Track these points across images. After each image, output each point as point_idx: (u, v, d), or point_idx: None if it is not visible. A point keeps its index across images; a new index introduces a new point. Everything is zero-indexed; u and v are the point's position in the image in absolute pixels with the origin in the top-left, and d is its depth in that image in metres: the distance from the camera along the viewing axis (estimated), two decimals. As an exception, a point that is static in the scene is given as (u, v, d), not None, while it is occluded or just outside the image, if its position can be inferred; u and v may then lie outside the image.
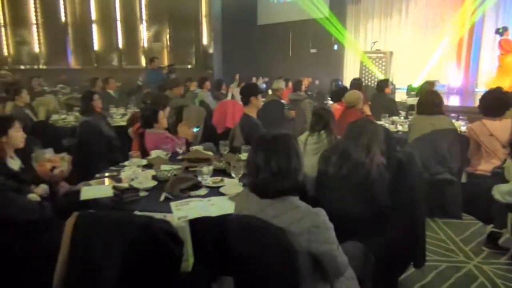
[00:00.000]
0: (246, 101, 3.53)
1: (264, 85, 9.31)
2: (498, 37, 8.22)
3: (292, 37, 12.70)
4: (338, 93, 5.13)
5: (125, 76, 10.25)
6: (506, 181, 2.77)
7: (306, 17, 11.63)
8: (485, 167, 3.30)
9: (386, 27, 11.11)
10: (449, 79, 9.70)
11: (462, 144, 3.48)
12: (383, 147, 2.15)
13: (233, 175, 2.32)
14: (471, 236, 3.14)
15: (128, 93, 7.50)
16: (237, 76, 8.80)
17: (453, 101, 8.03)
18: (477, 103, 3.61)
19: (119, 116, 5.40)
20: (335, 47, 11.66)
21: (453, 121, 3.93)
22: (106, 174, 2.56)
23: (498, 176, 2.96)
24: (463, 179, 3.50)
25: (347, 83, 7.82)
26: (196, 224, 1.82)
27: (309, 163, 2.45)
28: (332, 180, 2.12)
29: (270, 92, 6.66)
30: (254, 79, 9.82)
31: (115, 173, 2.55)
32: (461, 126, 4.07)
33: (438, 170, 3.33)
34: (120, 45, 13.14)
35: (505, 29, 8.05)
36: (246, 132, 3.38)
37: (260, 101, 3.61)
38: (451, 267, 2.70)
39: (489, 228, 2.98)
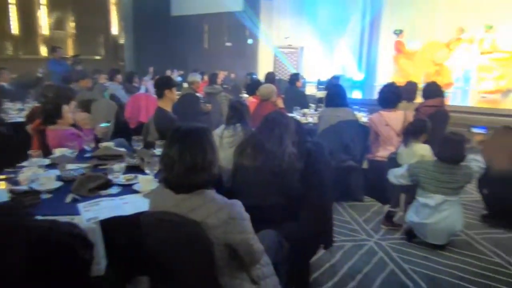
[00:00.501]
0: (160, 94, 3.43)
1: (179, 78, 9.12)
2: (395, 37, 9.09)
3: (207, 30, 12.60)
4: (253, 86, 5.24)
5: (21, 66, 9.21)
6: (399, 166, 3.11)
7: (221, 9, 11.62)
8: (382, 153, 3.65)
9: (297, 24, 11.60)
10: (353, 74, 10.50)
11: (363, 133, 3.81)
12: (295, 138, 2.26)
13: (147, 171, 2.25)
14: (371, 216, 3.47)
15: (25, 85, 6.76)
16: (151, 69, 8.47)
17: (356, 94, 8.71)
18: (376, 96, 3.97)
19: (15, 112, 4.87)
20: (250, 41, 11.86)
21: (356, 112, 4.28)
22: (1, 177, 2.29)
23: (393, 161, 3.31)
24: (365, 165, 3.84)
25: (261, 76, 8.02)
26: (109, 225, 1.73)
27: (225, 156, 2.48)
28: (247, 172, 2.17)
29: (185, 85, 6.54)
30: (168, 72, 9.55)
31: (12, 175, 2.30)
32: (363, 117, 4.45)
33: (343, 158, 3.61)
34: (15, 32, 11.74)
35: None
36: (161, 127, 3.29)
37: (174, 94, 3.54)
38: (355, 245, 2.96)
39: (386, 208, 3.33)
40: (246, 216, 1.48)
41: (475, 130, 3.19)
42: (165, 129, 3.21)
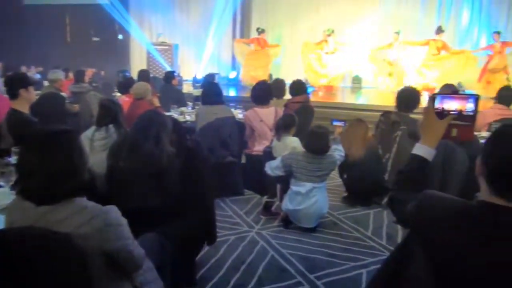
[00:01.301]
0: (13, 95, 2.98)
1: (38, 76, 8.07)
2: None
3: (69, 22, 11.42)
4: (126, 84, 4.97)
5: None
6: (275, 158, 3.33)
7: (84, 0, 10.65)
8: (258, 148, 3.86)
9: (171, 20, 11.38)
10: (227, 72, 10.78)
11: (240, 129, 3.95)
12: (173, 137, 2.22)
13: (1, 183, 1.94)
14: (252, 208, 3.64)
15: None
16: (0, 65, 7.30)
17: (231, 92, 8.98)
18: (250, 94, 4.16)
19: None
20: (120, 36, 11.18)
21: (232, 109, 4.42)
22: None
23: (269, 154, 3.52)
24: (243, 160, 4.00)
25: (134, 74, 7.64)
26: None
27: (98, 160, 2.30)
28: (123, 174, 2.05)
29: (46, 83, 5.83)
30: (24, 68, 8.37)
31: None
32: (239, 114, 4.62)
33: (222, 154, 3.69)
34: None
35: (263, 30, 9.47)
36: (16, 131, 2.86)
37: (32, 93, 3.12)
38: (238, 238, 3.06)
39: (264, 199, 3.53)
40: (123, 221, 1.40)
41: (335, 123, 3.59)
42: (21, 134, 2.81)
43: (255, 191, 3.92)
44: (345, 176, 3.84)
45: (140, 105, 3.96)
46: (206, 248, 2.67)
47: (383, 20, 9.75)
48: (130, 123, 2.64)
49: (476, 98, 1.29)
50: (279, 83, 4.93)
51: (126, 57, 11.28)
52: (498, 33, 8.16)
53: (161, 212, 2.00)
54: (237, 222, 3.35)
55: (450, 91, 3.91)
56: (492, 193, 1.03)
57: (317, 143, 3.11)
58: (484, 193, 1.06)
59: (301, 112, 4.03)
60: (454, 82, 6.41)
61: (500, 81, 7.65)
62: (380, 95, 8.63)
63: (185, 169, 2.15)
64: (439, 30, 8.17)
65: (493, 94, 4.38)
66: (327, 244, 3.00)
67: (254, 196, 3.90)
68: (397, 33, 8.64)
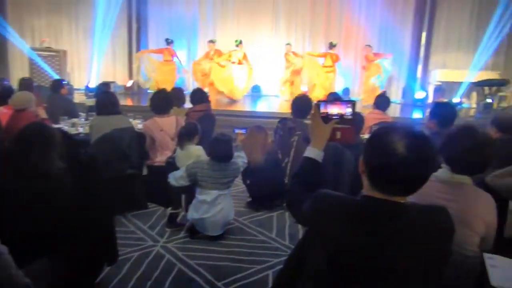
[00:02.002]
0: None
1: None
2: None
3: None
4: (4, 94, 4.38)
5: None
6: (178, 168, 3.26)
7: None
8: (161, 158, 3.74)
9: (57, 24, 10.43)
10: (123, 80, 10.24)
11: (140, 140, 3.79)
12: (62, 151, 2.03)
13: None
14: (156, 221, 3.50)
15: None
16: None
17: (128, 101, 8.57)
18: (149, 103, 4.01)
19: None
20: (-6, 40, 9.86)
21: (130, 119, 4.21)
22: None
23: (172, 165, 3.43)
24: (144, 171, 3.83)
25: (14, 83, 6.79)
26: None
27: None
28: (6, 196, 1.80)
29: None
30: None
31: None
32: (138, 124, 4.42)
33: (121, 166, 3.49)
34: None
35: (172, 40, 9.30)
36: None
37: None
38: (142, 254, 2.91)
39: (169, 210, 3.43)
40: (3, 249, 1.23)
41: (237, 131, 3.67)
42: None
43: (159, 204, 3.78)
44: (248, 181, 3.93)
45: (21, 117, 3.53)
46: (107, 269, 2.48)
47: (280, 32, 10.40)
48: (10, 137, 2.34)
49: (353, 103, 1.45)
50: (178, 91, 4.87)
51: (4, 63, 9.96)
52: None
53: (52, 234, 1.81)
54: (141, 238, 3.19)
55: (332, 97, 4.32)
56: (372, 188, 1.16)
57: (221, 151, 3.13)
58: (366, 188, 1.19)
59: (203, 121, 4.03)
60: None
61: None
62: (277, 103, 9.09)
63: (78, 186, 1.98)
64: (331, 45, 8.88)
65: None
66: (234, 250, 3.03)
67: (158, 208, 3.75)
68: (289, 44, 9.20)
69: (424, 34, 9.41)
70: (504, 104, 7.88)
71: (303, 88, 8.99)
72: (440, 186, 1.72)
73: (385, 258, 1.12)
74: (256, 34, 9.97)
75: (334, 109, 1.44)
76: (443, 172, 1.78)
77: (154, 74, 9.13)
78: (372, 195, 1.17)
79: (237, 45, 8.93)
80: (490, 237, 1.71)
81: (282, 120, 4.02)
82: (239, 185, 4.21)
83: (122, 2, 10.15)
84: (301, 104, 3.88)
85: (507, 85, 8.16)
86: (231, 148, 3.19)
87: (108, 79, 9.61)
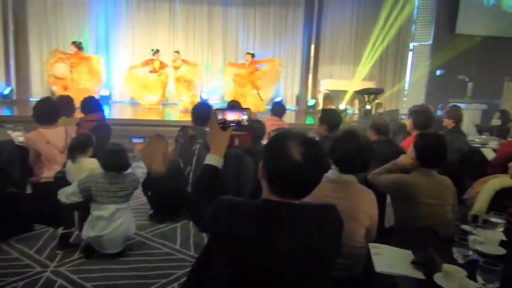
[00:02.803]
0: None
1: None
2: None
3: None
4: None
5: None
6: (69, 184, 2.98)
7: None
8: (48, 174, 3.38)
9: None
10: (1, 88, 9.04)
11: (22, 154, 3.38)
12: None
13: None
14: (44, 244, 3.14)
15: None
16: None
17: (8, 111, 7.60)
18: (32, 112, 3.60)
19: None
20: None
21: (10, 132, 3.74)
22: None
23: (62, 180, 3.13)
24: (28, 189, 3.43)
25: None
26: None
27: None
28: None
29: None
30: None
31: None
32: (19, 136, 3.93)
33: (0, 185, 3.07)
34: None
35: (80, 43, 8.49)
36: None
37: None
38: (28, 282, 2.59)
39: (60, 230, 3.11)
40: None
41: (135, 140, 3.51)
42: None
43: (48, 224, 3.40)
44: (149, 193, 3.79)
45: None
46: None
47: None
48: None
49: (248, 111, 1.52)
50: (66, 99, 4.46)
51: None
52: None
53: None
54: (27, 264, 2.83)
55: (229, 106, 4.45)
56: (271, 191, 1.23)
57: (115, 161, 2.97)
58: (265, 192, 1.26)
59: (97, 131, 3.76)
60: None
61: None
62: (177, 111, 8.95)
63: None
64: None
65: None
66: (136, 266, 2.88)
67: (46, 229, 3.37)
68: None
69: (312, 47, 10.23)
70: (380, 110, 8.98)
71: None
72: (330, 186, 1.89)
73: (285, 256, 1.18)
74: (153, 45, 9.70)
75: (231, 116, 1.48)
76: (332, 172, 1.97)
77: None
78: (271, 198, 1.23)
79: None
80: (373, 229, 1.94)
81: (183, 128, 3.97)
82: (139, 197, 4.03)
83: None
84: (201, 112, 3.89)
85: (382, 94, 9.36)
86: (126, 158, 3.04)
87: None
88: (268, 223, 1.20)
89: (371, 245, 1.76)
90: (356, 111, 9.85)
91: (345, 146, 1.96)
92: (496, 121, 5.85)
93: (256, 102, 8.63)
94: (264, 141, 4.11)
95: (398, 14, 10.23)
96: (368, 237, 1.90)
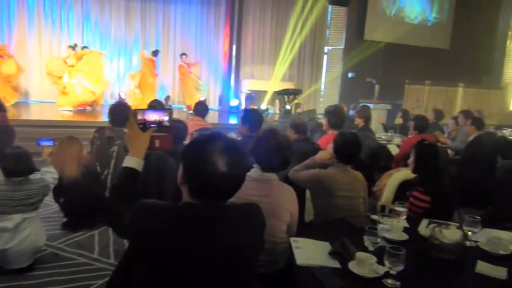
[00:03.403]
0: None
1: None
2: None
3: None
4: None
5: None
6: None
7: None
8: None
9: None
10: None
11: None
12: None
13: None
14: None
15: None
16: None
17: None
18: None
19: None
20: None
21: None
22: None
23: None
24: None
25: None
26: None
27: None
28: None
29: None
30: None
31: None
32: None
33: None
34: None
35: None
36: None
37: None
38: None
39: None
40: None
41: (43, 143, 3.21)
42: None
43: None
44: (61, 200, 3.50)
45: None
46: None
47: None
48: None
49: (170, 112, 1.49)
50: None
51: None
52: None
53: None
54: None
55: (150, 106, 4.29)
56: (192, 196, 1.22)
57: (15, 165, 2.69)
58: (186, 197, 1.23)
59: (-3, 134, 3.38)
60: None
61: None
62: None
63: None
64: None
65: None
66: (49, 280, 2.66)
67: None
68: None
69: (234, 47, 10.33)
70: (299, 110, 9.39)
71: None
72: (253, 184, 1.94)
73: (208, 258, 1.18)
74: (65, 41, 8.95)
75: (151, 117, 1.44)
76: (255, 171, 2.02)
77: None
78: (191, 201, 1.22)
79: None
80: (294, 224, 2.03)
81: (99, 129, 3.74)
82: (50, 205, 3.71)
83: None
84: (119, 112, 3.70)
85: (300, 94, 9.80)
86: (29, 160, 2.78)
87: None
88: (190, 225, 1.18)
89: (292, 239, 1.84)
90: (277, 111, 10.18)
91: (266, 145, 2.02)
92: (398, 120, 6.50)
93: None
94: (187, 142, 4.06)
95: (309, 18, 10.80)
96: (290, 232, 1.99)
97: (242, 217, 1.29)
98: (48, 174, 2.95)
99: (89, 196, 3.40)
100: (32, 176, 2.80)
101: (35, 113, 8.02)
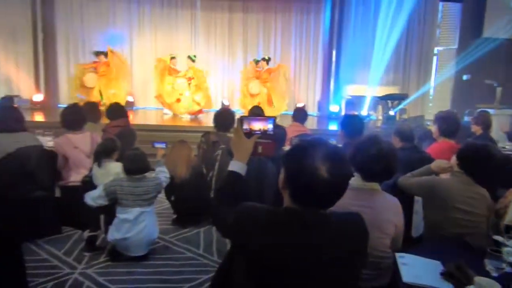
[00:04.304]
0: None
1: None
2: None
3: None
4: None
5: None
6: (95, 187, 3.05)
7: None
8: (75, 178, 3.47)
9: None
10: (31, 94, 9.35)
11: (50, 159, 3.48)
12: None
13: None
14: (72, 246, 3.22)
15: None
16: None
17: (38, 117, 7.85)
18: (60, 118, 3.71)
19: None
20: None
21: (39, 137, 3.86)
22: None
23: (88, 184, 3.21)
24: (57, 193, 3.52)
25: None
26: None
27: None
28: None
29: None
30: None
31: None
32: (48, 141, 4.06)
33: (28, 187, 3.18)
34: None
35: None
36: None
37: None
38: (57, 283, 2.66)
39: (86, 233, 3.18)
40: None
41: (157, 145, 3.56)
42: None
43: (75, 227, 3.49)
44: (172, 198, 3.83)
45: None
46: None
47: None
48: None
49: (273, 120, 1.52)
50: (92, 106, 4.58)
51: None
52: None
53: None
54: (55, 265, 2.90)
55: (255, 113, 4.43)
56: (293, 202, 1.21)
57: (134, 164, 3.02)
58: (287, 202, 1.24)
59: (122, 136, 3.83)
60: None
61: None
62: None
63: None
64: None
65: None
66: (160, 270, 2.91)
67: (74, 232, 3.47)
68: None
69: (334, 52, 10.16)
70: (404, 116, 8.80)
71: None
72: (353, 194, 1.84)
73: (309, 266, 1.16)
74: (174, 52, 9.84)
75: (257, 126, 1.49)
76: (355, 180, 1.92)
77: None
78: (293, 207, 1.22)
79: (193, 60, 8.63)
80: (399, 238, 1.89)
81: (205, 134, 4.01)
82: (163, 202, 4.08)
83: (26, 11, 9.33)
84: (224, 118, 3.91)
85: (406, 99, 9.17)
86: (145, 160, 3.09)
87: (12, 92, 8.75)
88: (291, 231, 1.18)
89: (397, 254, 1.72)
90: (380, 117, 9.69)
91: (367, 152, 1.91)
92: (526, 128, 5.65)
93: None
94: (286, 147, 4.10)
95: (416, 18, 10.05)
96: (394, 246, 1.86)
97: (344, 226, 1.25)
98: (162, 174, 3.25)
99: (196, 196, 3.66)
100: (148, 175, 3.12)
101: (148, 118, 8.91)
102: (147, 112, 9.86)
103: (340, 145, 3.25)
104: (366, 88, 10.13)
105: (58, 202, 3.48)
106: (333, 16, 10.07)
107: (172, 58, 8.76)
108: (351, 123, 3.36)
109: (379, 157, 1.88)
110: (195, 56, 8.76)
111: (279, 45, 10.87)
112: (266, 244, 1.17)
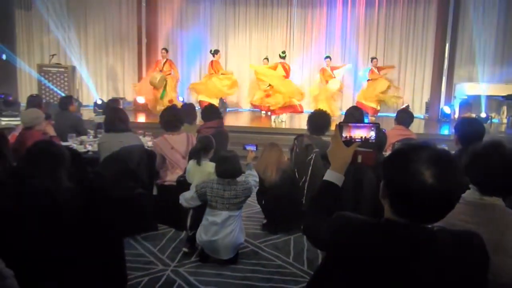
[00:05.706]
0: None
1: None
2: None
3: None
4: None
5: None
6: (189, 186, 3.26)
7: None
8: (171, 177, 3.76)
9: (66, 40, 10.76)
10: (132, 96, 10.40)
11: (150, 158, 3.82)
12: (70, 170, 2.06)
13: None
14: (166, 243, 3.49)
15: None
16: None
17: (140, 118, 8.70)
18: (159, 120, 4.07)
19: None
20: (3, 56, 10.18)
21: (140, 137, 4.27)
22: None
23: (183, 184, 3.44)
24: (154, 191, 3.85)
25: (23, 100, 6.99)
26: None
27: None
28: (10, 219, 1.83)
29: None
30: None
31: None
32: (148, 141, 4.47)
33: (130, 185, 3.52)
34: None
35: (216, 51, 9.42)
36: None
37: None
38: (152, 278, 2.91)
39: (189, 232, 3.33)
40: (8, 273, 1.24)
41: (248, 147, 3.65)
42: None
43: (170, 225, 3.78)
44: (263, 202, 3.90)
45: (30, 135, 3.62)
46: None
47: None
48: (19, 155, 2.40)
49: (377, 127, 1.43)
50: (190, 107, 4.92)
51: (12, 80, 10.24)
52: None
53: (59, 256, 1.83)
54: (151, 261, 3.18)
55: (355, 119, 4.20)
56: (395, 214, 1.14)
57: (227, 167, 3.13)
58: (388, 213, 1.16)
59: (216, 137, 4.04)
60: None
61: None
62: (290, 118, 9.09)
63: (86, 207, 2.00)
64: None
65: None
66: (249, 275, 2.99)
67: (168, 230, 3.75)
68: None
69: (447, 46, 9.36)
70: (536, 119, 7.73)
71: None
72: (467, 208, 1.66)
73: (408, 283, 1.09)
74: (269, 50, 10.10)
75: (357, 132, 1.41)
76: (471, 193, 1.72)
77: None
78: (395, 219, 1.14)
79: (284, 57, 8.75)
80: (526, 263, 1.65)
81: (298, 137, 4.00)
82: (254, 205, 4.19)
83: (132, 17, 10.47)
84: (318, 120, 3.87)
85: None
86: (238, 164, 3.18)
87: (119, 95, 9.81)
88: (390, 244, 1.11)
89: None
90: (504, 120, 8.65)
91: (487, 161, 1.71)
92: None
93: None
94: (387, 153, 3.89)
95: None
96: (520, 274, 1.63)
97: (457, 246, 1.13)
98: (251, 177, 3.33)
99: (287, 201, 3.68)
100: (238, 178, 3.23)
101: (240, 120, 9.24)
102: (239, 113, 10.25)
103: (452, 152, 2.97)
104: (485, 87, 9.11)
105: (155, 200, 3.81)
106: (447, 4, 9.28)
107: (264, 59, 9.11)
108: (468, 127, 3.05)
109: (503, 168, 1.67)
110: (284, 52, 8.82)
111: (382, 41, 10.43)
112: (361, 257, 1.13)
